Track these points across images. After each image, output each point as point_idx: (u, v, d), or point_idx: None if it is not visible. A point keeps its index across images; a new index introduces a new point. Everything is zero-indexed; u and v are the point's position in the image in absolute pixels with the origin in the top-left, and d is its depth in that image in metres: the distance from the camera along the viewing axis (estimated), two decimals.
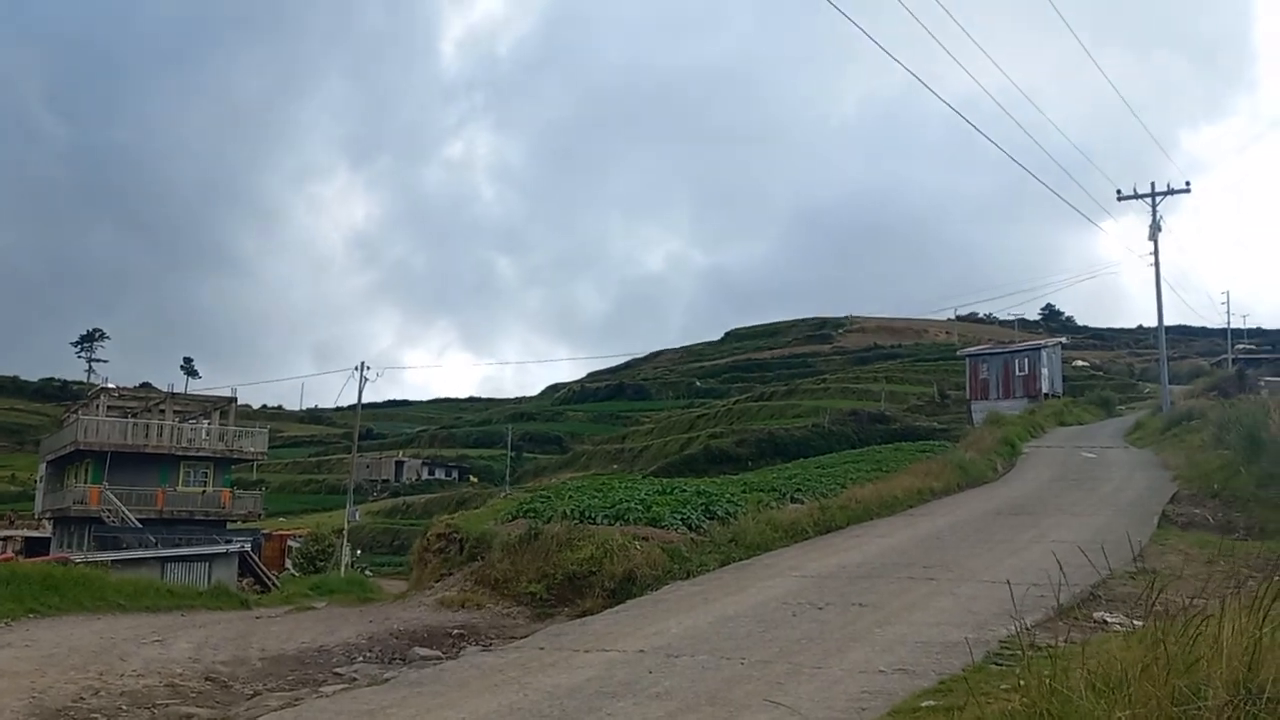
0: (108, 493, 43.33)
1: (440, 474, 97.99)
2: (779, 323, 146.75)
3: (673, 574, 13.24)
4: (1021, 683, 5.57)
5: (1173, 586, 7.67)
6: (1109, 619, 8.93)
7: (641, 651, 8.70)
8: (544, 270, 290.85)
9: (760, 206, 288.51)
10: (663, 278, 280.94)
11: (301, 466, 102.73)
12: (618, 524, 14.78)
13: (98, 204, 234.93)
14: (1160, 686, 4.75)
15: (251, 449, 51.15)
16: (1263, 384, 39.36)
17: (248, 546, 37.42)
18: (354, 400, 53.21)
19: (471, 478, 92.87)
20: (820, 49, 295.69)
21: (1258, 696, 4.69)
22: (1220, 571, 10.23)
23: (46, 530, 49.44)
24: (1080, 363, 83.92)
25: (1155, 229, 41.16)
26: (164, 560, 31.72)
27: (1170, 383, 42.13)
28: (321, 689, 9.14)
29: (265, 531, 51.46)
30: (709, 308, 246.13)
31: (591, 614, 11.80)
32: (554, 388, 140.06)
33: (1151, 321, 50.55)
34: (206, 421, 51.22)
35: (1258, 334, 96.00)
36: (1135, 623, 7.77)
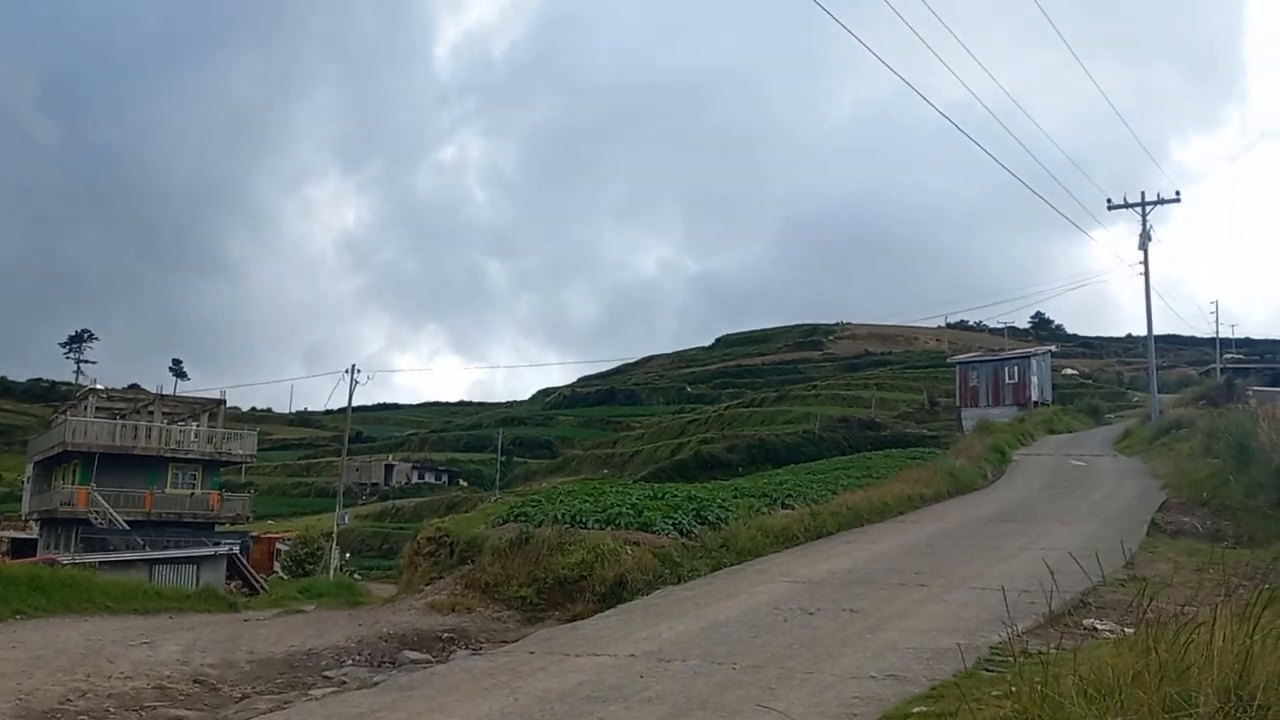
0: (95, 494, 43.11)
1: (430, 478, 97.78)
2: (770, 329, 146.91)
3: (664, 579, 13.23)
4: (1013, 689, 5.57)
5: (1163, 594, 7.67)
6: (1099, 626, 8.95)
7: (632, 656, 8.69)
8: (535, 275, 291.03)
9: (752, 212, 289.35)
10: (654, 283, 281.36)
11: (290, 469, 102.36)
12: (609, 528, 14.78)
13: (88, 205, 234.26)
14: (1152, 693, 4.76)
15: (240, 451, 50.97)
16: (1251, 394, 39.51)
17: (236, 549, 37.25)
18: (344, 403, 53.33)
19: (461, 482, 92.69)
20: (812, 55, 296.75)
21: (1249, 703, 4.70)
22: (1210, 580, 10.26)
23: (33, 531, 49.14)
24: (1069, 371, 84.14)
25: (1145, 238, 41.34)
26: (152, 562, 31.55)
27: (1159, 391, 42.29)
28: (310, 692, 9.10)
29: (254, 534, 51.19)
30: (700, 313, 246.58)
31: (582, 618, 11.78)
32: (545, 392, 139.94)
33: (1140, 330, 50.74)
34: (195, 424, 51.01)
35: (1246, 344, 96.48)
36: (1126, 630, 7.78)
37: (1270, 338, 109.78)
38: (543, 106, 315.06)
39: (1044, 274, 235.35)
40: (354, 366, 51.02)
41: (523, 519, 15.87)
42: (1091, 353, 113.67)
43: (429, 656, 11.04)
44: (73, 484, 45.24)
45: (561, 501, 17.21)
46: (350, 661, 10.86)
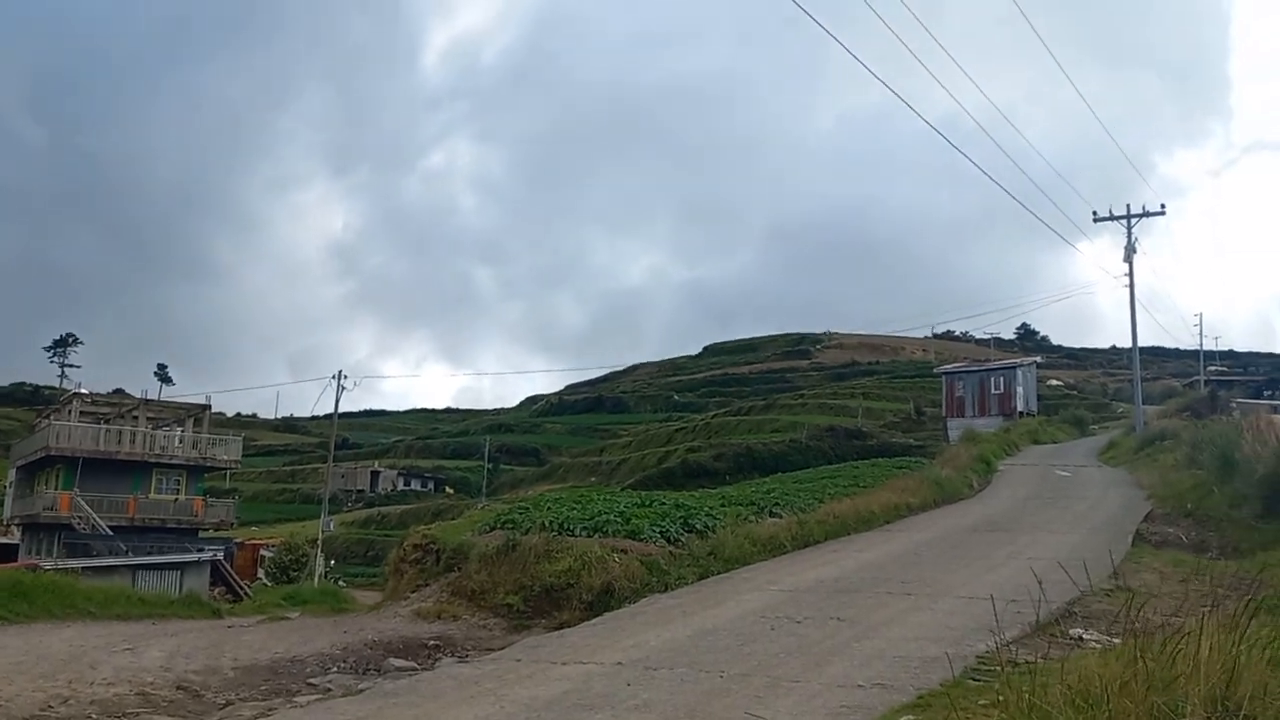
0: (79, 499, 42.82)
1: (416, 485, 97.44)
2: (757, 338, 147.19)
3: (651, 587, 13.21)
4: (1000, 698, 5.57)
5: (1149, 604, 7.71)
6: (1085, 636, 8.97)
7: (619, 664, 8.66)
8: (523, 282, 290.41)
9: (740, 221, 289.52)
10: (642, 291, 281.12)
11: (275, 475, 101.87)
12: (596, 536, 14.75)
13: (74, 208, 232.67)
14: (1139, 703, 4.77)
15: (225, 457, 50.72)
16: (1234, 405, 39.76)
17: (220, 555, 37.05)
18: (330, 409, 53.01)
19: (448, 489, 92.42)
20: (800, 65, 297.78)
21: (1235, 713, 4.73)
22: (1195, 590, 10.31)
23: (15, 537, 48.69)
24: (1055, 382, 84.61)
25: (1130, 250, 41.64)
26: (135, 568, 31.32)
27: (1144, 403, 42.52)
28: (295, 699, 9.05)
29: (238, 540, 50.95)
30: (688, 322, 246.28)
31: (569, 626, 11.76)
32: (532, 399, 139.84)
33: (1125, 342, 51.03)
34: (180, 429, 50.76)
35: (1229, 356, 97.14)
36: (1112, 640, 7.80)
37: (1253, 350, 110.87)
38: (532, 113, 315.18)
39: (1030, 285, 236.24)
40: (340, 372, 50.74)
41: (510, 526, 15.83)
42: (1076, 364, 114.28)
43: (415, 664, 11.00)
44: (55, 489, 44.92)
45: (549, 509, 17.18)
46: (335, 669, 10.81)
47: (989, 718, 5.43)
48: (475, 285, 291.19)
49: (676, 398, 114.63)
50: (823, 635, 9.56)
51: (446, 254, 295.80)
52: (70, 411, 48.23)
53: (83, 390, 51.88)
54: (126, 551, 35.81)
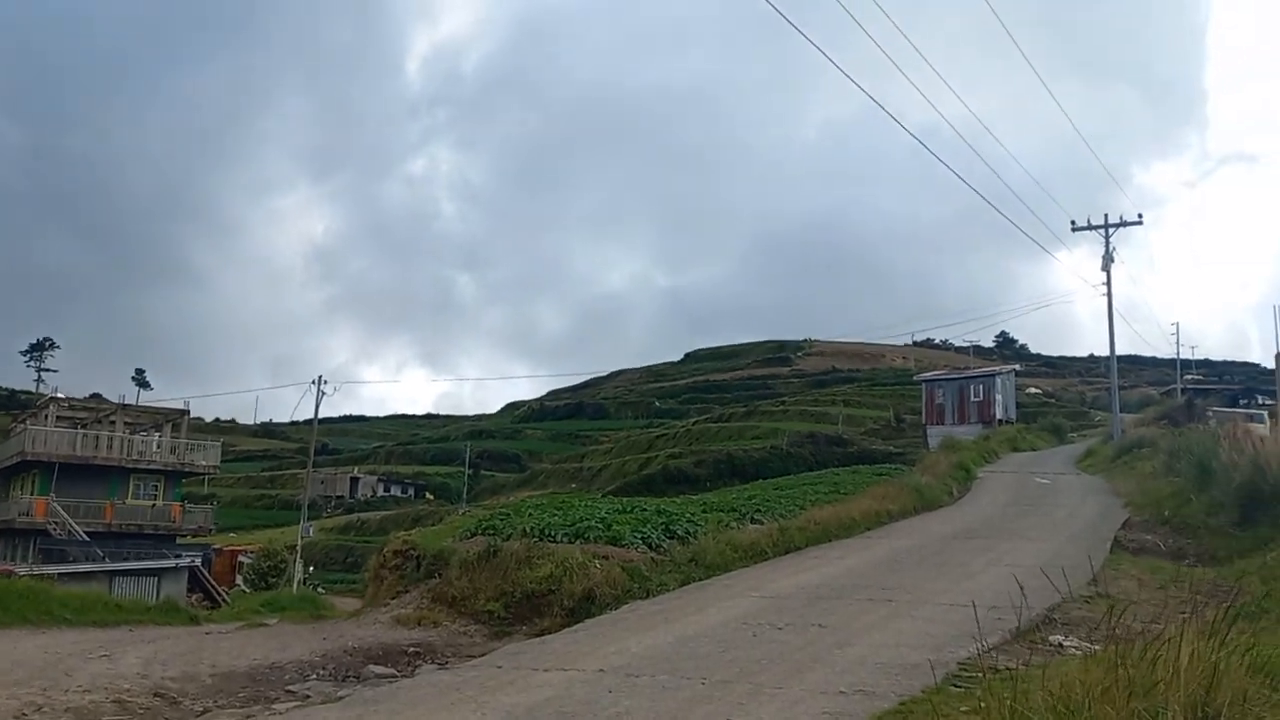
0: (55, 505, 42.43)
1: (396, 491, 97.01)
2: (739, 345, 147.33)
3: (632, 593, 13.19)
4: (982, 705, 5.59)
5: (1128, 611, 7.76)
6: (1065, 642, 9.02)
7: (601, 671, 8.64)
8: (505, 288, 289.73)
9: (722, 228, 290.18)
10: (624, 298, 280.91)
11: (254, 481, 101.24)
12: (578, 542, 14.72)
13: (51, 211, 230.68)
14: (1120, 709, 4.80)
15: (203, 463, 50.42)
16: (1211, 414, 40.08)
17: (198, 561, 36.86)
18: (309, 415, 52.75)
19: (428, 495, 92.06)
20: (782, 74, 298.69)
21: (1215, 719, 4.76)
22: (1173, 597, 10.37)
23: None
24: (1033, 390, 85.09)
25: (1108, 259, 42.03)
26: (112, 574, 31.11)
27: (1121, 411, 42.85)
28: (274, 706, 8.98)
29: (216, 547, 50.68)
30: (669, 328, 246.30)
31: (550, 633, 11.71)
32: (513, 405, 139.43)
33: (1102, 351, 51.50)
34: (158, 434, 50.42)
35: (1205, 365, 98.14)
36: (1092, 646, 7.84)
37: (1229, 359, 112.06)
38: (514, 120, 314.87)
39: (1009, 294, 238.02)
40: (320, 377, 50.38)
41: (491, 532, 15.77)
42: (1054, 372, 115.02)
43: (394, 671, 10.93)
44: (31, 494, 44.49)
45: (530, 515, 17.13)
46: (314, 676, 10.72)
47: None
48: (457, 291, 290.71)
49: (658, 404, 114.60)
50: (804, 642, 9.57)
51: (428, 259, 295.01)
52: (47, 416, 47.81)
53: (59, 395, 51.38)
54: (103, 557, 35.49)
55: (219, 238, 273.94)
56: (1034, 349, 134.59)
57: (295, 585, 38.78)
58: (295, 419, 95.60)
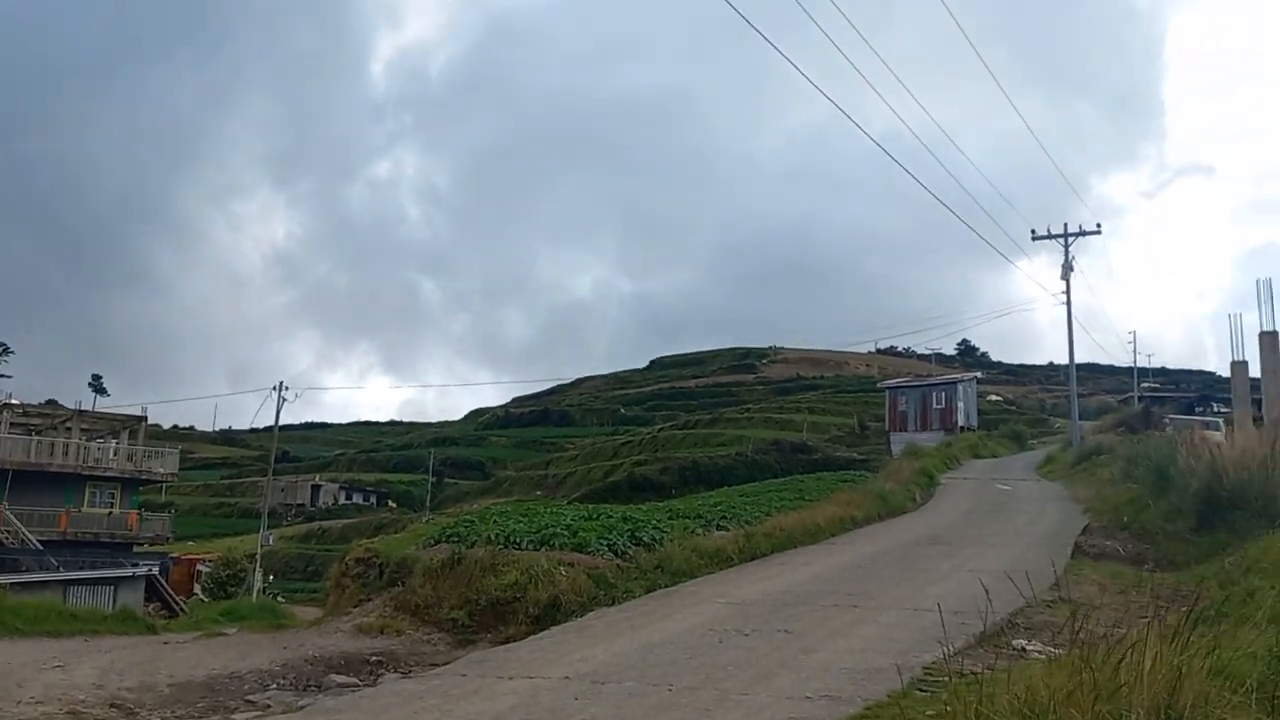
0: (7, 513, 41.56)
1: (358, 498, 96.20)
2: (704, 352, 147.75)
3: (598, 600, 13.13)
4: (947, 709, 5.61)
5: (1090, 616, 7.83)
6: (1028, 647, 9.08)
7: (567, 678, 8.58)
8: (470, 294, 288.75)
9: (687, 235, 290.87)
10: (589, 304, 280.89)
11: (213, 489, 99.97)
12: (543, 549, 14.64)
13: (6, 213, 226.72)
14: (1085, 712, 4.83)
15: (161, 470, 49.75)
16: (1167, 421, 40.73)
17: (155, 570, 36.30)
18: (270, 422, 52.03)
19: (391, 503, 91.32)
20: (748, 82, 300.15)
21: None
22: (1135, 603, 10.50)
23: None
24: (994, 397, 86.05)
25: (1068, 268, 42.59)
26: (66, 584, 30.55)
27: (1080, 418, 43.41)
28: (233, 716, 8.86)
29: (174, 555, 49.91)
30: (635, 335, 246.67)
31: (515, 641, 11.63)
32: (477, 413, 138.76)
33: (1062, 359, 52.18)
34: (115, 441, 49.64)
35: (1162, 373, 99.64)
36: (1054, 651, 7.90)
37: (1185, 368, 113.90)
38: (479, 124, 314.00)
39: (970, 302, 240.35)
40: (281, 384, 49.80)
41: (455, 539, 15.65)
42: (1015, 380, 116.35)
43: (357, 680, 10.81)
44: None
45: (495, 522, 17.02)
46: (274, 685, 10.57)
47: None
48: (421, 297, 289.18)
49: (623, 411, 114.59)
50: (770, 648, 9.56)
51: (392, 265, 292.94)
52: (0, 422, 46.92)
53: (13, 400, 50.45)
54: (58, 567, 34.85)
55: (179, 242, 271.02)
56: (995, 357, 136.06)
57: (255, 594, 38.31)
58: (255, 426, 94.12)
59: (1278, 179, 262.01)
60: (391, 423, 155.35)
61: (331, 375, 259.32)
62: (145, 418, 50.97)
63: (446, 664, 10.60)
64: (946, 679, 6.57)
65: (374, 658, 12.12)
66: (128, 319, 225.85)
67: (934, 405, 53.45)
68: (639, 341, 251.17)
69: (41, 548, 40.03)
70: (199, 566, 48.99)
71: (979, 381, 66.65)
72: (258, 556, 46.54)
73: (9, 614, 14.72)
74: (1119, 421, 45.14)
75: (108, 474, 46.81)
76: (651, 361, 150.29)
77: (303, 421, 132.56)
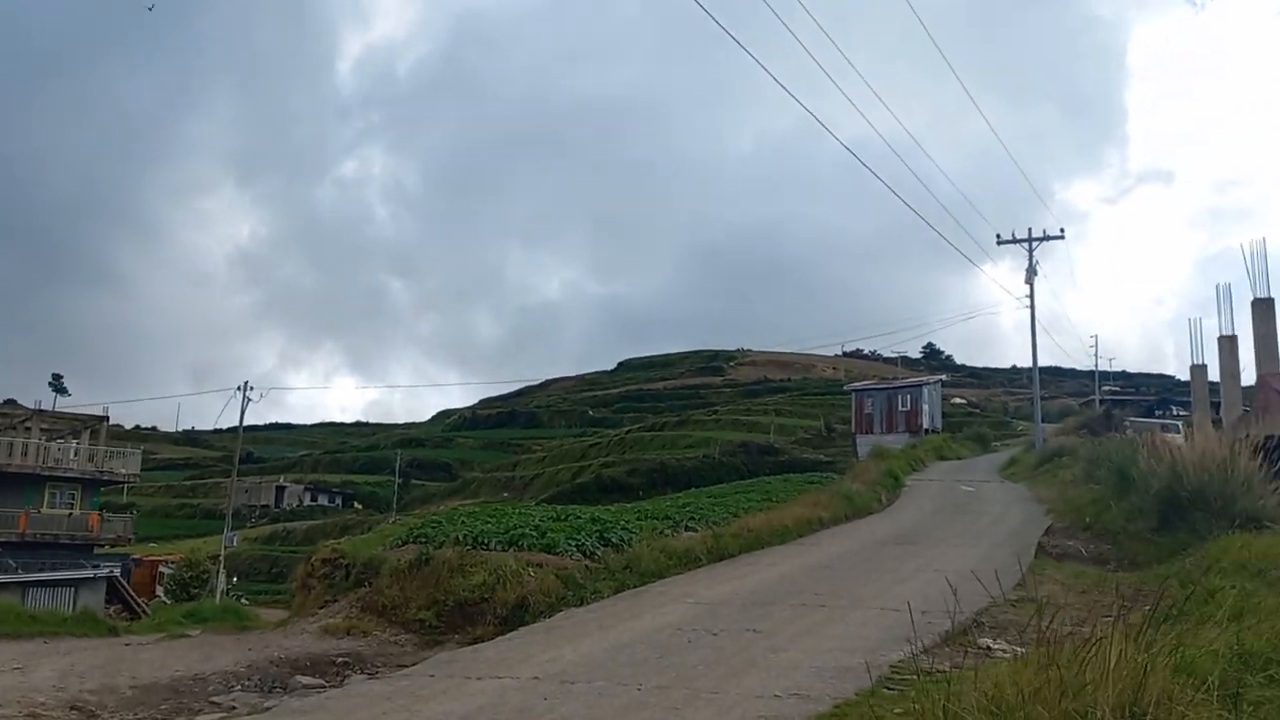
0: None
1: (324, 500, 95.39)
2: (672, 354, 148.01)
3: (567, 601, 13.11)
4: (916, 706, 5.66)
5: (1055, 615, 7.92)
6: (994, 645, 9.16)
7: (536, 678, 8.56)
8: (438, 295, 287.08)
9: (656, 238, 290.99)
10: (558, 306, 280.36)
11: (176, 490, 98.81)
12: (512, 550, 14.60)
13: None
14: (1052, 709, 4.88)
15: (123, 470, 49.09)
16: (1128, 424, 41.29)
17: (117, 572, 35.84)
18: (234, 422, 51.53)
19: (356, 504, 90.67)
20: (719, 86, 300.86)
21: (1142, 718, 4.87)
22: (1098, 602, 10.63)
23: None
24: (958, 400, 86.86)
25: (1031, 273, 43.04)
26: (25, 585, 30.08)
27: (1042, 421, 43.89)
28: (198, 718, 8.75)
29: (136, 557, 49.35)
30: (604, 337, 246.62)
31: (483, 641, 11.58)
32: (445, 414, 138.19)
33: (1025, 362, 52.78)
34: (75, 441, 48.95)
35: (1123, 377, 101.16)
36: (1019, 649, 7.98)
37: (1145, 371, 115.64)
38: (448, 124, 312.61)
39: (936, 306, 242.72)
40: (246, 384, 49.32)
41: (423, 540, 15.57)
42: (979, 383, 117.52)
43: (323, 681, 10.73)
44: None
45: (463, 522, 16.95)
46: (239, 687, 10.47)
47: None
48: (388, 297, 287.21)
49: (591, 413, 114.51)
50: (739, 647, 9.59)
51: (359, 265, 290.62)
52: None
53: None
54: (16, 568, 34.31)
55: (141, 240, 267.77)
56: (959, 360, 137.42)
57: (218, 596, 37.89)
58: (219, 427, 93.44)
59: (1235, 186, 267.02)
60: (357, 424, 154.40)
61: (297, 376, 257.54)
62: (107, 418, 50.35)
63: (414, 665, 10.54)
64: (914, 677, 6.63)
65: (340, 659, 12.03)
66: (89, 318, 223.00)
67: (899, 408, 53.83)
68: (607, 344, 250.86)
69: None
70: (161, 568, 48.44)
71: (944, 384, 67.19)
72: (221, 558, 46.07)
73: None
74: (1081, 424, 45.73)
75: (68, 474, 46.16)
76: (619, 364, 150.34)
77: (267, 422, 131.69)
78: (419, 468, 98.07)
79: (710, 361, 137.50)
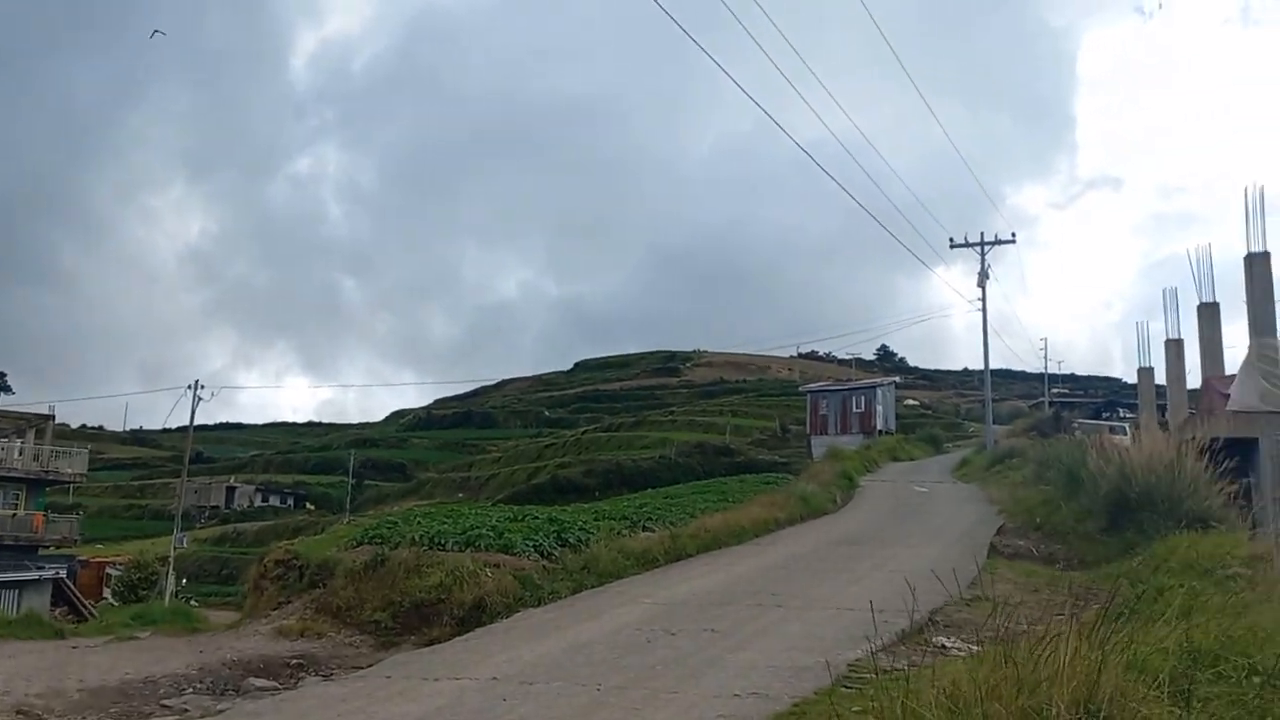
0: None
1: (275, 501, 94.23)
2: (629, 355, 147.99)
3: (525, 601, 13.06)
4: (874, 704, 5.70)
5: (1009, 613, 8.02)
6: (948, 644, 9.27)
7: (494, 679, 8.52)
8: (392, 294, 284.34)
9: (614, 239, 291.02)
10: (515, 306, 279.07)
11: (123, 490, 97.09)
12: (469, 550, 14.52)
13: None
14: (1009, 705, 4.95)
15: (69, 470, 48.20)
16: (1076, 425, 41.99)
17: (62, 574, 35.13)
18: (183, 422, 50.64)
19: (309, 505, 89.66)
20: (679, 88, 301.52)
21: (1097, 714, 4.95)
22: (1050, 600, 10.78)
23: None
24: (911, 401, 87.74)
25: (984, 276, 43.69)
26: None
27: (993, 422, 44.51)
28: None
29: (82, 558, 48.47)
30: (560, 338, 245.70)
31: (440, 642, 11.51)
32: (399, 414, 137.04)
33: (977, 364, 53.52)
34: (19, 440, 47.91)
35: (1071, 379, 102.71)
36: (974, 647, 8.08)
37: (1093, 374, 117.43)
38: (404, 122, 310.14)
39: (890, 308, 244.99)
40: (197, 383, 48.47)
41: (378, 541, 15.44)
42: (931, 385, 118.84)
43: (276, 683, 10.59)
44: None
45: (419, 523, 16.83)
46: (191, 690, 10.30)
47: None
48: (342, 296, 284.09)
49: (547, 414, 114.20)
50: (698, 647, 9.61)
51: (312, 264, 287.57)
52: None
53: None
54: None
55: (87, 237, 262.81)
56: (912, 362, 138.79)
57: (167, 598, 37.27)
58: (168, 426, 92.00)
59: (1181, 193, 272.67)
60: (310, 424, 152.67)
61: (248, 375, 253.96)
62: (53, 416, 49.39)
63: (369, 666, 10.45)
64: (872, 675, 6.68)
65: (294, 660, 11.89)
66: (34, 315, 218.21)
67: (854, 409, 54.30)
68: (564, 344, 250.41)
69: None
70: (109, 569, 47.62)
71: (897, 386, 67.92)
72: (170, 559, 45.31)
73: None
74: (1031, 426, 46.39)
75: (12, 474, 45.26)
76: (576, 364, 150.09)
77: (218, 422, 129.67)
78: (373, 468, 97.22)
79: (667, 362, 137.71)
